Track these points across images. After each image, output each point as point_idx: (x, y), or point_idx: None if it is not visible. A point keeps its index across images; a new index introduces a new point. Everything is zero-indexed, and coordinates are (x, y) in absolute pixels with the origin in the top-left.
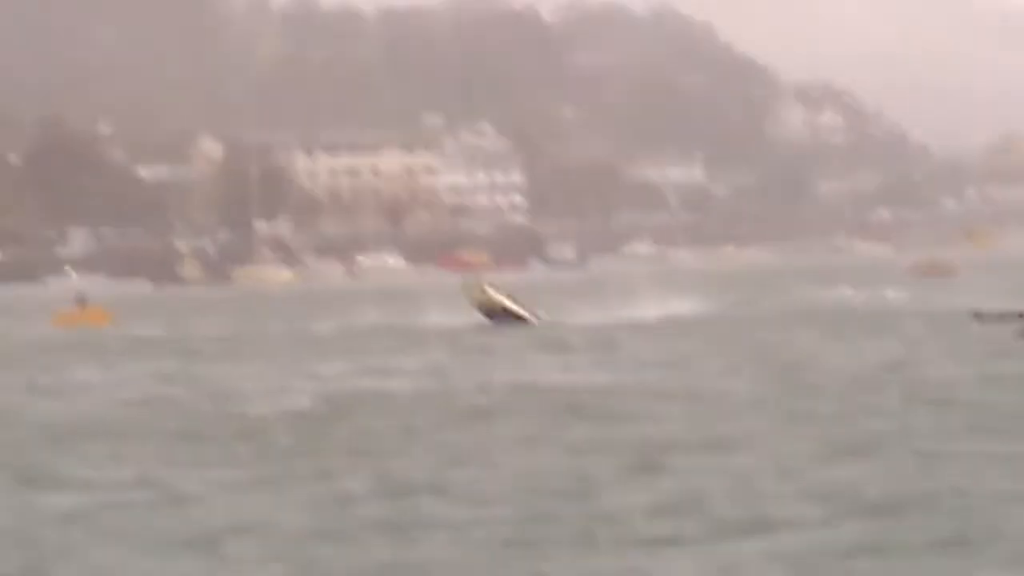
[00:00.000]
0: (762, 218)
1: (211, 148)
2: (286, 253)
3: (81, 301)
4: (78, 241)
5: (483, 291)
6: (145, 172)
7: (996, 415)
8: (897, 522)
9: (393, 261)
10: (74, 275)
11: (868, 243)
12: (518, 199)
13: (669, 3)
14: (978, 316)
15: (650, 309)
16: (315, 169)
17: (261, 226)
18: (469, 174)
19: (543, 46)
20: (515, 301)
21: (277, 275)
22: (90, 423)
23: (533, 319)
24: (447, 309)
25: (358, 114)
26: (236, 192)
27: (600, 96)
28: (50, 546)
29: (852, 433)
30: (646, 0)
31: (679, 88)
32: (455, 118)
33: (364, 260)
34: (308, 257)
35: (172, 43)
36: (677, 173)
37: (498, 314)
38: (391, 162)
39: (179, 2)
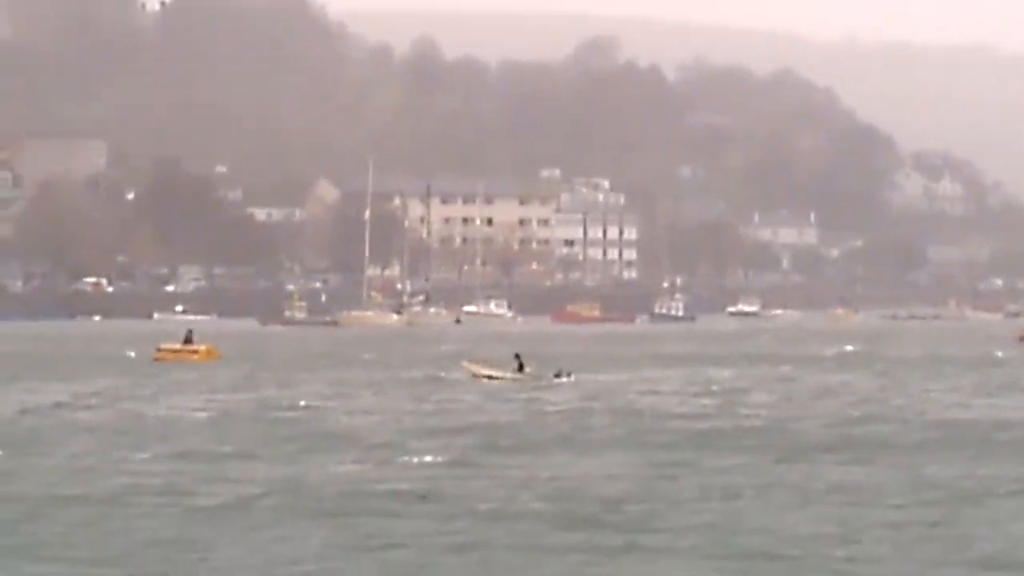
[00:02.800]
0: (873, 282)
1: (326, 192)
2: (395, 298)
3: (187, 339)
4: (189, 279)
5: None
6: (259, 213)
7: None
8: None
9: (500, 310)
10: (181, 311)
11: (979, 312)
12: (630, 254)
13: (792, 67)
14: None
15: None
16: (429, 217)
17: (372, 271)
18: (583, 228)
19: (664, 105)
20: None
21: (384, 319)
22: None
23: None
24: None
25: (475, 164)
26: (348, 237)
27: (718, 156)
28: None
29: None
30: (768, 63)
31: (797, 151)
32: (572, 172)
33: (471, 308)
34: (416, 303)
35: (292, 87)
36: (790, 234)
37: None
38: (505, 213)
39: (301, 48)
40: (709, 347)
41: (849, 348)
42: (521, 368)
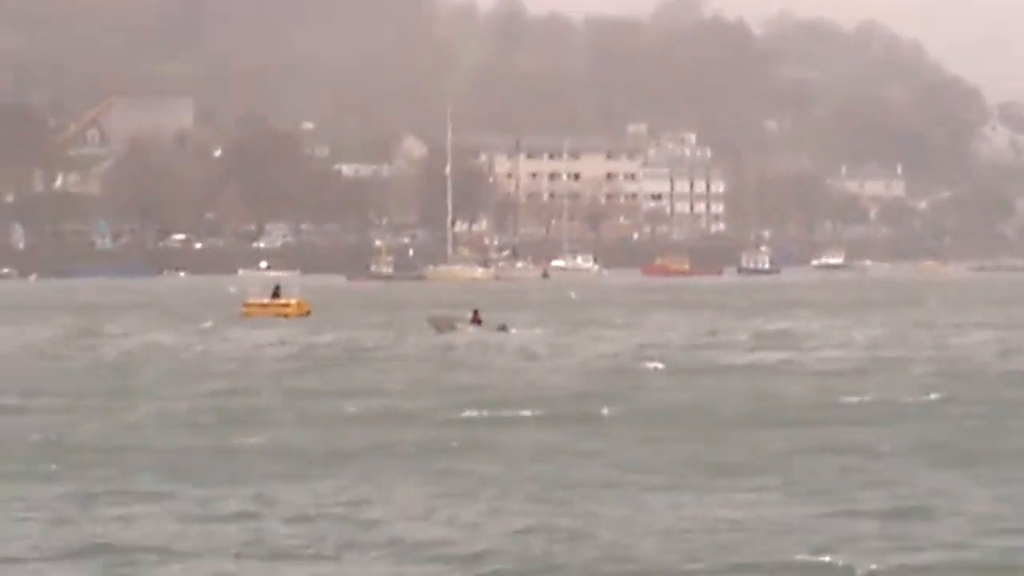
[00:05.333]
0: (961, 234)
1: (413, 148)
2: (481, 253)
3: (276, 293)
4: (276, 235)
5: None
6: (346, 170)
7: None
8: None
9: (587, 264)
10: (265, 267)
11: None
12: (717, 208)
13: (878, 19)
14: None
15: None
16: (516, 172)
17: (460, 226)
18: (670, 182)
19: (750, 58)
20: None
21: (470, 273)
22: None
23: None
24: None
25: (561, 120)
26: (435, 192)
27: (804, 110)
28: None
29: None
30: (854, 15)
31: (884, 104)
32: (658, 127)
33: (558, 263)
34: (503, 258)
35: (378, 44)
36: (877, 187)
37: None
38: (592, 168)
39: (387, 4)
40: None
41: None
42: (478, 322)
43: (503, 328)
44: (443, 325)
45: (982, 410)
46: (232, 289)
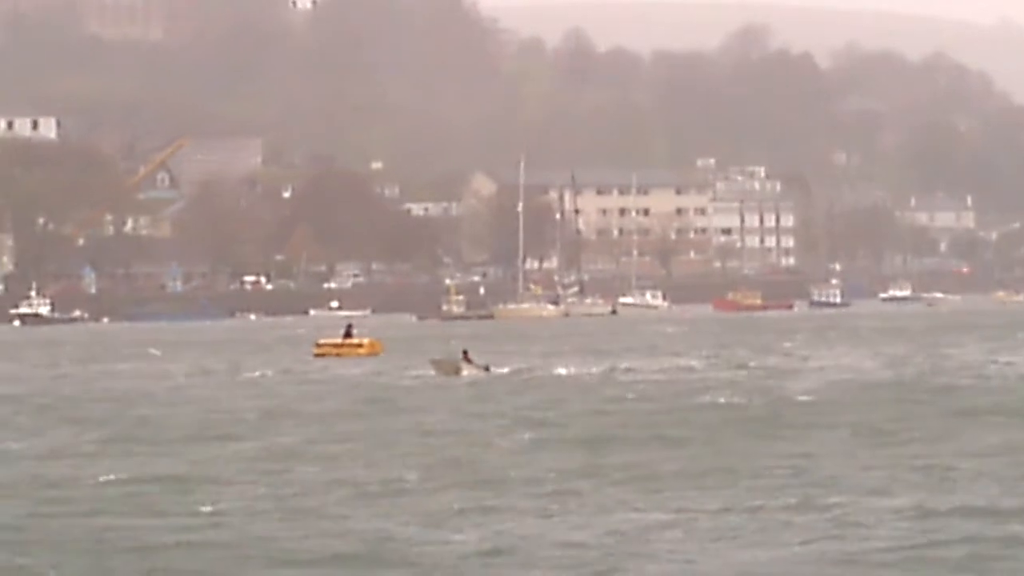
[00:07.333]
0: None
1: (482, 186)
2: (551, 290)
3: (348, 333)
4: (347, 275)
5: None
6: (416, 209)
7: None
8: None
9: (656, 300)
10: (336, 306)
11: None
12: (787, 241)
13: (945, 51)
14: None
15: None
16: (585, 208)
17: (530, 263)
18: (740, 216)
19: (817, 91)
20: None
21: (539, 311)
22: None
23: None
24: None
25: (630, 155)
26: (505, 230)
27: (872, 141)
28: None
29: None
30: (921, 46)
31: (952, 134)
32: (727, 161)
33: (627, 299)
34: (572, 295)
35: (445, 82)
36: (947, 218)
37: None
38: (661, 203)
39: (453, 43)
40: None
41: None
42: (468, 361)
43: (486, 368)
44: (446, 368)
45: None
46: (300, 330)
